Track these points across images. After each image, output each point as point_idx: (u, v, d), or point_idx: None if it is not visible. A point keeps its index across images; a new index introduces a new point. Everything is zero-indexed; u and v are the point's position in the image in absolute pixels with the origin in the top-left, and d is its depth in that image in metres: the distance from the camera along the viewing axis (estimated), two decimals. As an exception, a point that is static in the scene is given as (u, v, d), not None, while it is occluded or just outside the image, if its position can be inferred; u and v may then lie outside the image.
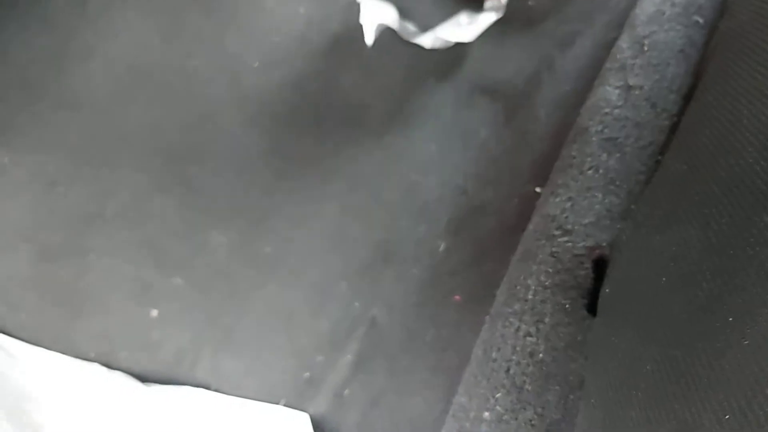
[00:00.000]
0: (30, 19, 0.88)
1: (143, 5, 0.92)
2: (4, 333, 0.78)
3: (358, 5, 0.85)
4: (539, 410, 0.51)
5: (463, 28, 0.81)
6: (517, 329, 0.56)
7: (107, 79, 0.87)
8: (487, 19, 0.83)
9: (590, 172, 0.60)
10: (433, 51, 0.90)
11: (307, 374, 0.81)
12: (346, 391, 0.80)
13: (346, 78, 0.92)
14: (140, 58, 0.89)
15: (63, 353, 0.79)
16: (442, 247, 0.83)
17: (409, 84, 0.92)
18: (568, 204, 0.60)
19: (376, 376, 0.80)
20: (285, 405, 0.80)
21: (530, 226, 0.66)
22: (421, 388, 0.74)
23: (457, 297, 0.75)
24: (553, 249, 0.58)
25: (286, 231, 0.86)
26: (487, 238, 0.77)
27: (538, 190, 0.74)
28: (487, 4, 0.88)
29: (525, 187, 0.78)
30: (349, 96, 0.92)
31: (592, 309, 0.56)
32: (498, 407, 0.53)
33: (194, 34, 0.92)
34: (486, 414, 0.54)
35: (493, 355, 0.57)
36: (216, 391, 0.79)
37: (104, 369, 0.79)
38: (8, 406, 0.72)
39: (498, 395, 0.54)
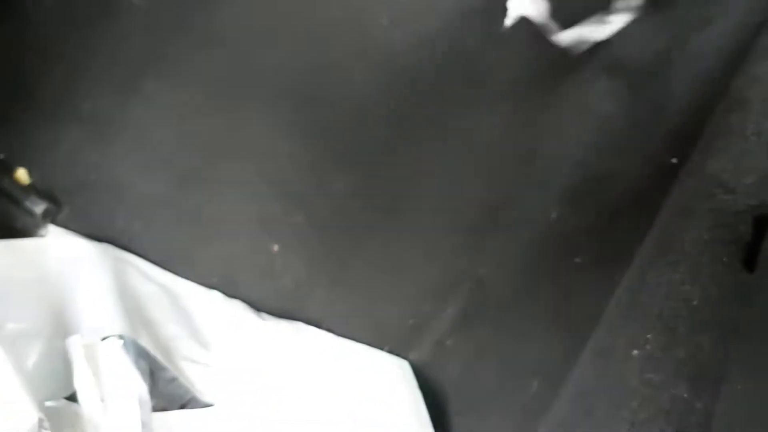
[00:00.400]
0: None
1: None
2: (137, 248, 0.83)
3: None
4: (692, 350, 0.54)
5: (604, 27, 0.84)
6: (671, 278, 0.59)
7: (247, 20, 0.90)
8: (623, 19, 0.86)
9: (753, 137, 0.62)
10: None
11: (411, 321, 0.85)
12: (449, 342, 0.84)
13: (471, 42, 0.94)
14: (279, 2, 0.92)
15: (188, 274, 0.83)
16: (554, 214, 0.85)
17: (533, 54, 0.94)
18: (730, 165, 0.62)
19: (480, 330, 0.83)
20: (388, 350, 0.84)
21: (684, 186, 0.68)
22: (536, 338, 0.76)
23: (577, 259, 0.77)
24: (713, 206, 0.61)
25: (403, 182, 0.89)
26: (614, 204, 0.79)
27: (674, 161, 0.76)
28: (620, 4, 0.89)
29: (659, 157, 0.80)
30: (473, 60, 0.94)
31: (748, 263, 0.58)
32: (648, 346, 0.56)
33: (331, -15, 0.95)
34: (635, 352, 0.57)
35: (643, 299, 0.59)
36: (326, 327, 0.83)
37: (223, 297, 0.84)
38: (144, 318, 0.77)
39: (649, 336, 0.56)
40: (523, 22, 0.91)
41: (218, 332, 0.81)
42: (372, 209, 0.88)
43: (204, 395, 0.77)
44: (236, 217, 0.86)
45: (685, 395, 0.51)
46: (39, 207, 0.78)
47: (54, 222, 0.80)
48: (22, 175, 0.81)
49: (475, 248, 0.87)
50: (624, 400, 0.52)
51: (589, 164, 0.85)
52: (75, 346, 0.66)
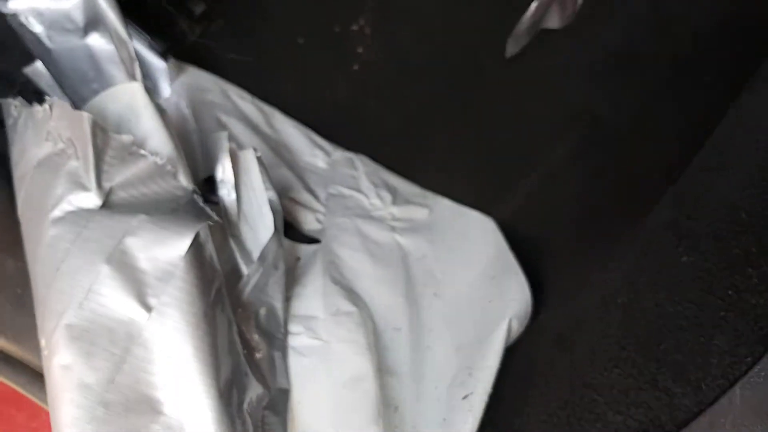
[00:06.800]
0: None
1: None
2: (258, 82, 0.84)
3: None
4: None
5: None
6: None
7: None
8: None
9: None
10: None
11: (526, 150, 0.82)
12: (559, 175, 0.80)
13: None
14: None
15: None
16: (682, 56, 0.78)
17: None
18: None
19: (592, 163, 0.78)
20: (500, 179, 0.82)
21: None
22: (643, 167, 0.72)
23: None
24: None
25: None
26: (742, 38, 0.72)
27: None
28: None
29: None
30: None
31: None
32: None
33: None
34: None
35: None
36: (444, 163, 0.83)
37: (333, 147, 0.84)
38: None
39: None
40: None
41: (328, 182, 0.82)
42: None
43: (308, 232, 0.79)
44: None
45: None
46: (198, 8, 0.82)
47: (207, 29, 0.83)
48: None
49: (594, 87, 0.82)
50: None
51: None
52: (223, 143, 0.64)
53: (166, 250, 0.49)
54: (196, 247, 0.50)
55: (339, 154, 0.84)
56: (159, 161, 0.54)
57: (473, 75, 0.85)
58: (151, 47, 0.79)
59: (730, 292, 0.52)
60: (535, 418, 0.59)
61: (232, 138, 0.78)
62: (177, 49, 0.81)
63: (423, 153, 0.84)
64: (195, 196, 0.55)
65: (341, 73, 0.84)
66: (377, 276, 0.74)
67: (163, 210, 0.51)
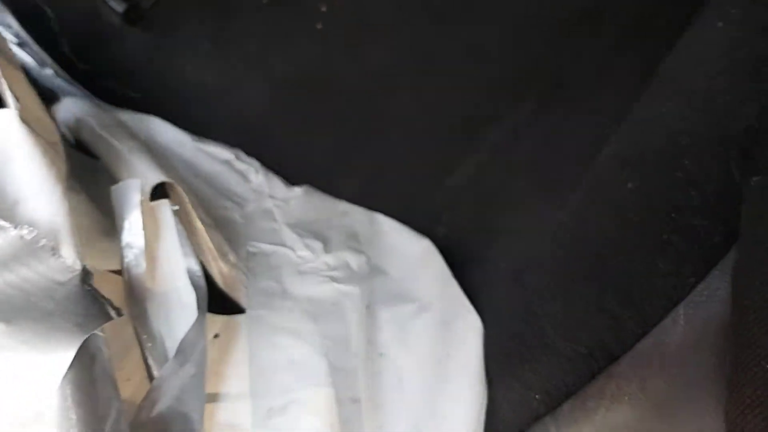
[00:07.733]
0: None
1: None
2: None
3: None
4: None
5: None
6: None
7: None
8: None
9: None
10: None
11: (491, 110, 0.80)
12: (522, 130, 0.77)
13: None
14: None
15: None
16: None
17: None
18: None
19: (552, 116, 0.77)
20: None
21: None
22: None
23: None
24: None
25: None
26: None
27: None
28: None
29: None
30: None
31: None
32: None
33: None
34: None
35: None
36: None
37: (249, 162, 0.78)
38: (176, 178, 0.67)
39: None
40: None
41: (246, 238, 0.72)
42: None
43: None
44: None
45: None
46: (120, 6, 0.77)
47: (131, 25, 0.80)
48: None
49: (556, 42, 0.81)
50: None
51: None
52: (134, 194, 0.51)
53: (33, 382, 0.34)
54: (82, 367, 0.35)
55: (253, 205, 0.73)
56: (27, 235, 0.37)
57: (436, 31, 0.81)
58: (111, 7, 0.79)
59: (673, 215, 0.51)
60: (489, 351, 0.59)
61: (158, 147, 0.69)
62: (136, 13, 0.80)
63: (386, 110, 0.81)
64: (85, 282, 0.40)
65: (304, 32, 0.82)
66: (324, 334, 0.61)
67: (33, 313, 0.36)
